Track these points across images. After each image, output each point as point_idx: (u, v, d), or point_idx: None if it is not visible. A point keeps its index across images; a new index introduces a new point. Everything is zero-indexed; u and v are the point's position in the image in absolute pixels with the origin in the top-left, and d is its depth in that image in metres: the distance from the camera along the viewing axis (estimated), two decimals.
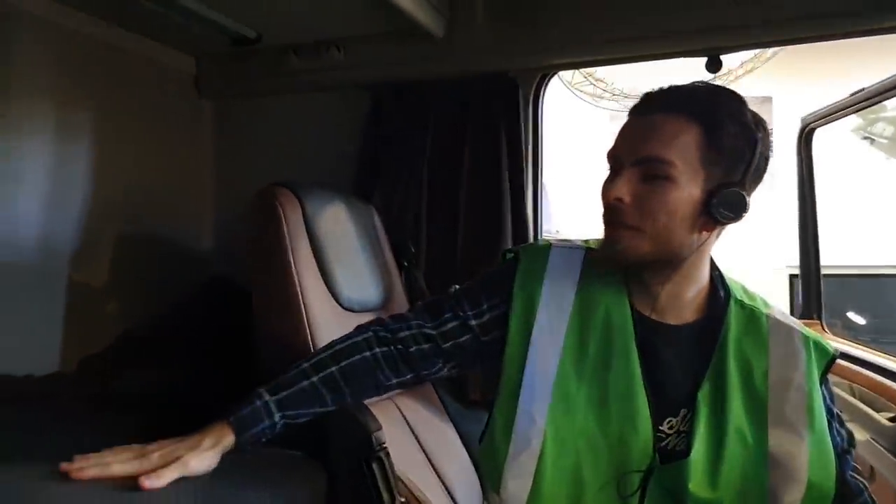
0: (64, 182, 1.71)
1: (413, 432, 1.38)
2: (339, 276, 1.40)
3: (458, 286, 1.13)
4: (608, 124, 5.44)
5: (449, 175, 1.76)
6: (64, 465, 0.84)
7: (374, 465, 1.07)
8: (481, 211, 1.72)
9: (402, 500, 1.07)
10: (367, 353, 1.05)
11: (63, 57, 1.67)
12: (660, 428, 0.96)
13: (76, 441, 1.22)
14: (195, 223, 2.11)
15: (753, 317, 1.02)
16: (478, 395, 1.59)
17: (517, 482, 0.96)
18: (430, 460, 1.34)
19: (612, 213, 0.96)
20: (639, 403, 0.95)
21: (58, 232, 1.71)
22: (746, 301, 1.04)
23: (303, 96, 2.00)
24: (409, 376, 1.08)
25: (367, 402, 1.11)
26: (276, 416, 0.99)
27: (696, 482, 0.92)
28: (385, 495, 1.06)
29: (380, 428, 1.11)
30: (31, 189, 1.64)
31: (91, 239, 1.78)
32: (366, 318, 1.49)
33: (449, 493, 1.32)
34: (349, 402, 1.05)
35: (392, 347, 1.06)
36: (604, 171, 1.00)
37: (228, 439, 0.94)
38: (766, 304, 1.06)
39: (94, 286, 1.80)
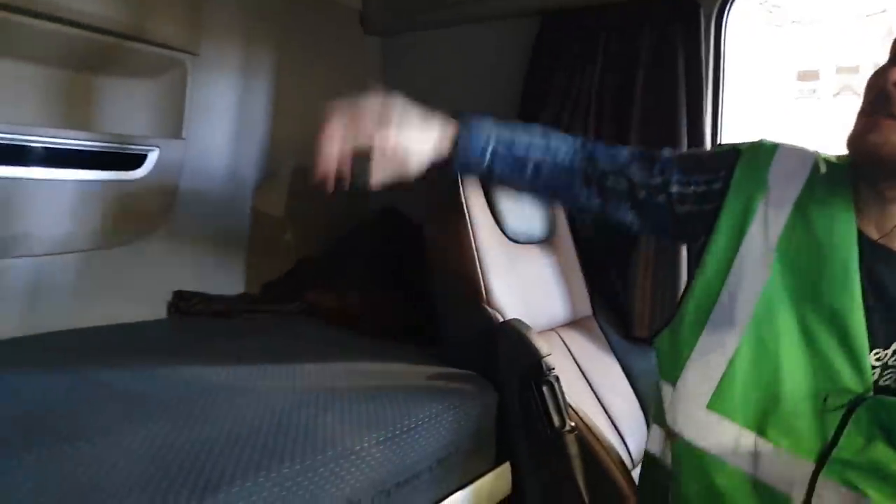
0: (247, 117, 1.83)
1: (577, 364, 1.37)
2: (505, 208, 1.41)
3: (667, 151, 1.04)
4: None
5: (619, 105, 1.69)
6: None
7: (545, 389, 1.08)
8: (653, 143, 1.63)
9: (572, 423, 1.07)
10: (570, 158, 1.01)
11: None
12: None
13: (270, 343, 1.34)
14: (364, 157, 2.18)
15: None
16: (643, 331, 1.55)
17: (700, 380, 0.92)
18: (594, 392, 1.34)
19: (881, 100, 0.85)
20: (854, 328, 0.87)
21: (242, 164, 1.84)
22: None
23: (467, 28, 1.99)
24: (595, 202, 1.03)
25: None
26: (490, 146, 0.97)
27: None
28: (555, 417, 1.07)
29: (549, 353, 1.12)
30: (220, 124, 1.77)
31: (270, 171, 1.90)
32: (530, 250, 1.50)
33: (614, 424, 1.31)
34: (540, 187, 1.02)
35: (592, 170, 1.02)
36: (882, 59, 0.90)
37: (452, 129, 0.95)
38: None
39: (274, 215, 1.93)
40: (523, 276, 1.41)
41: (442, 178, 1.35)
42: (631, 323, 1.56)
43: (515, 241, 1.43)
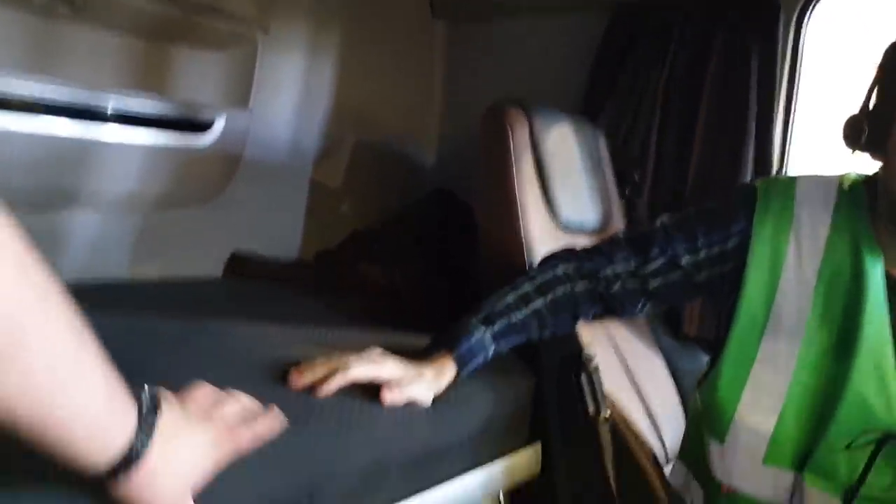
0: (311, 93, 1.87)
1: (620, 356, 1.37)
2: (559, 194, 1.41)
3: (664, 218, 1.04)
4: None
5: (685, 103, 1.66)
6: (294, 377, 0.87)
7: (583, 376, 1.08)
8: (719, 146, 1.61)
9: (608, 412, 1.07)
10: (569, 288, 1.02)
11: None
12: None
13: (317, 309, 1.38)
14: (421, 138, 2.21)
15: None
16: (693, 330, 1.53)
17: (752, 437, 0.91)
18: (635, 385, 1.33)
19: None
20: (886, 363, 0.86)
21: (304, 136, 1.89)
22: None
23: (536, 18, 1.99)
24: (606, 314, 1.06)
25: None
26: (490, 350, 0.99)
27: None
28: (591, 405, 1.07)
29: (590, 343, 1.11)
30: (285, 97, 1.82)
31: (330, 145, 1.94)
32: (581, 239, 1.49)
33: (652, 419, 1.30)
34: (549, 335, 1.05)
35: (593, 284, 1.02)
36: None
37: (450, 373, 0.95)
38: None
39: (331, 187, 1.97)
40: None
41: (494, 165, 1.36)
42: (680, 321, 1.54)
43: (568, 230, 1.43)
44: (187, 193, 1.59)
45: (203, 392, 0.68)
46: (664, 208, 1.65)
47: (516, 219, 1.31)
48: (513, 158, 1.34)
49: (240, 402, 0.70)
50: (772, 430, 0.89)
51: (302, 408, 0.81)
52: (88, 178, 1.38)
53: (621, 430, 1.08)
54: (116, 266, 1.44)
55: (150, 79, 1.53)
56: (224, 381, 0.85)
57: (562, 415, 1.13)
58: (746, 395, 0.92)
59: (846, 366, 0.86)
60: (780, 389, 0.89)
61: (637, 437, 1.09)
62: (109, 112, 1.37)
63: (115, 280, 1.41)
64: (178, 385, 0.81)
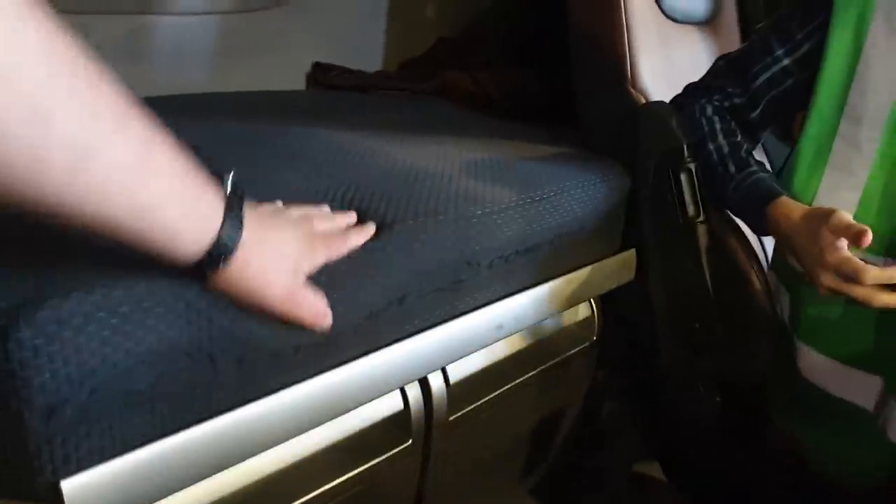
0: None
1: None
2: None
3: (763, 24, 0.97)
4: None
5: None
6: None
7: (683, 176, 1.01)
8: None
9: (706, 214, 1.01)
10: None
11: None
12: None
13: (403, 118, 1.35)
14: None
15: None
16: (799, 131, 1.39)
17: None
18: None
19: None
20: None
21: None
22: None
23: None
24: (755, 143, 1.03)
25: None
26: None
27: None
28: (690, 206, 1.01)
29: (693, 139, 1.03)
30: None
31: None
32: (689, 31, 1.35)
33: None
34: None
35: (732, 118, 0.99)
36: None
37: None
38: None
39: None
40: (677, 60, 1.28)
41: None
42: (793, 119, 1.41)
43: (673, 20, 1.28)
44: None
45: (293, 207, 0.68)
46: None
47: (615, 4, 1.18)
48: None
49: (330, 218, 0.70)
50: (854, 210, 0.84)
51: (395, 205, 0.80)
52: None
53: (721, 233, 1.02)
54: (196, 76, 1.43)
55: None
56: (306, 180, 0.85)
57: (659, 218, 1.08)
58: (827, 176, 0.87)
59: None
60: (863, 166, 0.83)
61: (737, 238, 1.03)
62: None
63: (197, 90, 1.40)
64: (263, 183, 0.82)
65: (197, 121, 1.12)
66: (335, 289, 0.65)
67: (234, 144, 0.98)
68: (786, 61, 0.92)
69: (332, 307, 0.63)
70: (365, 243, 0.70)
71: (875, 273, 0.73)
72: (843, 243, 0.76)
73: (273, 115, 1.25)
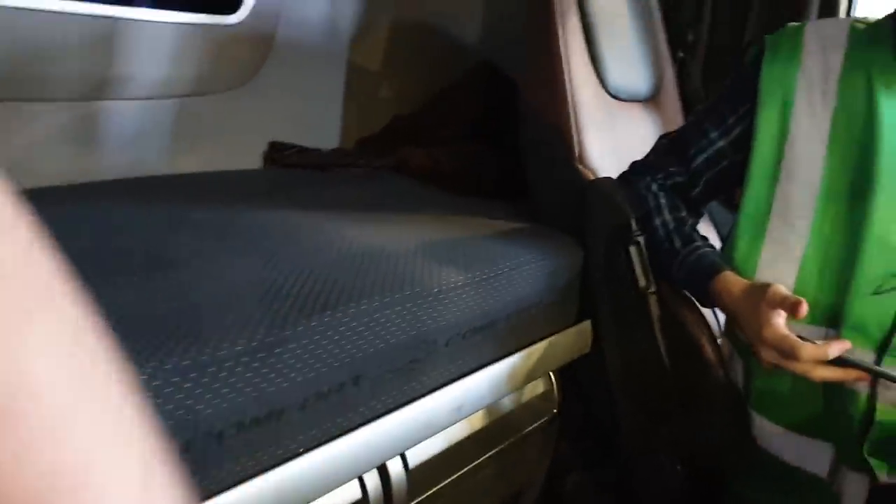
0: None
1: None
2: (608, 59, 1.31)
3: (698, 108, 1.03)
4: None
5: None
6: None
7: (632, 249, 1.04)
8: (780, 3, 1.45)
9: (655, 288, 1.03)
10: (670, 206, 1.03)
11: None
12: None
13: (360, 196, 1.36)
14: (465, 13, 2.08)
15: None
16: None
17: (777, 277, 0.88)
18: None
19: None
20: None
21: (339, 15, 1.80)
22: None
23: None
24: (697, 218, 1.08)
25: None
26: None
27: None
28: (640, 278, 1.03)
29: (640, 213, 1.06)
30: None
31: (367, 24, 1.85)
32: (632, 108, 1.41)
33: None
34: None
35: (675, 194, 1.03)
36: None
37: None
38: None
39: (370, 69, 1.89)
40: (622, 135, 1.33)
41: (538, 25, 1.26)
42: (733, 192, 1.47)
43: (617, 98, 1.34)
44: (222, 76, 1.55)
45: None
46: (721, 73, 1.53)
47: (563, 86, 1.23)
48: (558, 18, 1.25)
49: None
50: (793, 283, 0.86)
51: (348, 289, 0.80)
52: (120, 63, 1.35)
53: (672, 303, 1.05)
54: (155, 158, 1.43)
55: None
56: (262, 271, 0.84)
57: (611, 290, 1.10)
58: (765, 251, 0.90)
59: (865, 209, 0.82)
60: (798, 241, 0.86)
61: (689, 308, 1.05)
62: None
63: (155, 173, 1.40)
64: (216, 272, 0.81)
65: (149, 204, 1.12)
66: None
67: (187, 231, 0.97)
68: (721, 143, 0.96)
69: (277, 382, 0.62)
70: (313, 325, 0.70)
71: (810, 350, 0.76)
72: (781, 319, 0.79)
73: (228, 196, 1.25)
